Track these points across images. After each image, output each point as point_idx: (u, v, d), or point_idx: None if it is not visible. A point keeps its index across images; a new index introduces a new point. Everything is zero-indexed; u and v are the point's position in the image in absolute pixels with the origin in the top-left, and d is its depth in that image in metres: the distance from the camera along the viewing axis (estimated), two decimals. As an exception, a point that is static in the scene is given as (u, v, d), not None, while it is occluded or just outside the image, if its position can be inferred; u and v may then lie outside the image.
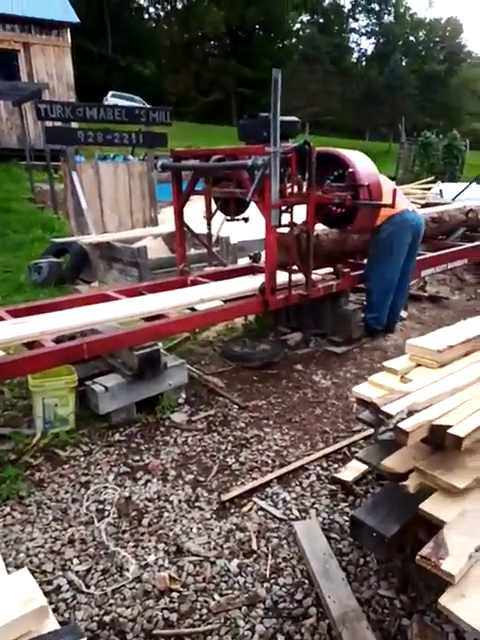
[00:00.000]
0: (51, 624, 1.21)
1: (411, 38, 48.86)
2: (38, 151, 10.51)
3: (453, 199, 10.02)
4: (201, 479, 2.44)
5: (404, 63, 44.59)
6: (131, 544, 2.01)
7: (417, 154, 20.66)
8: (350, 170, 3.37)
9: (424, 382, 1.84)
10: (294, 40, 47.01)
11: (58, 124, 6.23)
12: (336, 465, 2.55)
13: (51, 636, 1.14)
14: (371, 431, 2.78)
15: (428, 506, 1.46)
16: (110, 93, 24.09)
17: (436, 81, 43.84)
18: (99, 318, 2.98)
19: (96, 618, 1.67)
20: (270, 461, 2.59)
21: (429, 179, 11.18)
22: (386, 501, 1.85)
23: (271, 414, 3.08)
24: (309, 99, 32.97)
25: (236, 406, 3.15)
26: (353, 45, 50.59)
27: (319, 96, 35.76)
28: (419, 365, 2.10)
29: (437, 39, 49.03)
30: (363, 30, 49.54)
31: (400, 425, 1.51)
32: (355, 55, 50.86)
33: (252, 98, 34.34)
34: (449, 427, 1.51)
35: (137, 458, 2.59)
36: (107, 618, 1.67)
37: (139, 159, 8.92)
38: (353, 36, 50.16)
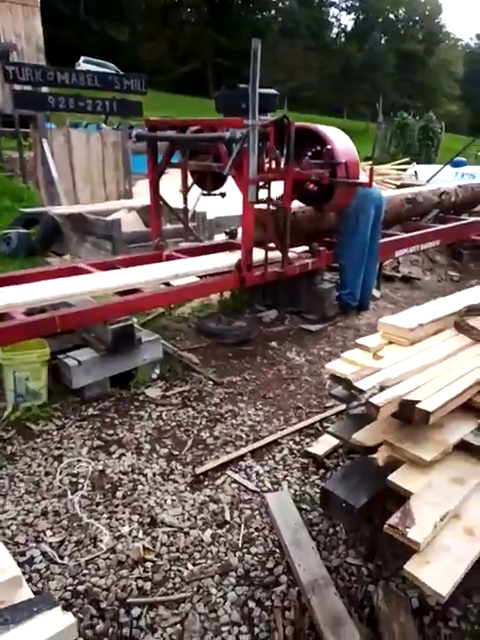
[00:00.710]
0: (24, 593, 1.22)
1: (391, 15, 48.35)
2: (6, 116, 10.06)
3: (427, 181, 10.13)
4: (175, 453, 2.46)
5: (383, 41, 44.28)
6: (105, 516, 2.02)
7: (394, 134, 20.69)
8: (328, 147, 3.35)
9: (395, 359, 1.88)
10: (273, 12, 45.89)
11: (28, 88, 5.96)
12: (308, 440, 2.61)
13: (25, 605, 1.15)
14: (343, 407, 2.86)
15: (396, 478, 1.52)
16: (82, 58, 23.08)
17: (414, 60, 43.70)
18: (71, 291, 2.92)
19: (70, 588, 1.68)
20: (244, 436, 2.63)
21: (405, 160, 11.24)
22: (356, 473, 1.90)
23: (246, 390, 3.11)
24: (288, 73, 32.43)
25: (211, 382, 3.17)
26: (333, 20, 49.83)
27: (298, 71, 35.24)
28: (391, 343, 2.14)
29: (417, 18, 48.69)
30: (343, 4, 48.73)
31: (371, 400, 1.55)
32: (335, 30, 50.14)
33: (229, 69, 33.51)
34: (418, 402, 1.56)
35: (111, 432, 2.59)
36: (81, 588, 1.68)
37: (113, 128, 8.65)
38: (333, 10, 49.36)
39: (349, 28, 49.35)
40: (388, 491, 1.83)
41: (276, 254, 3.64)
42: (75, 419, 2.68)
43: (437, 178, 10.32)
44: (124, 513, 2.04)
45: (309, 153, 3.56)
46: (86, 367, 2.78)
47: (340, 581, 1.77)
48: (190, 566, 1.80)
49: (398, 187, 7.54)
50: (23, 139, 9.12)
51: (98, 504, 2.08)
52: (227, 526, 1.99)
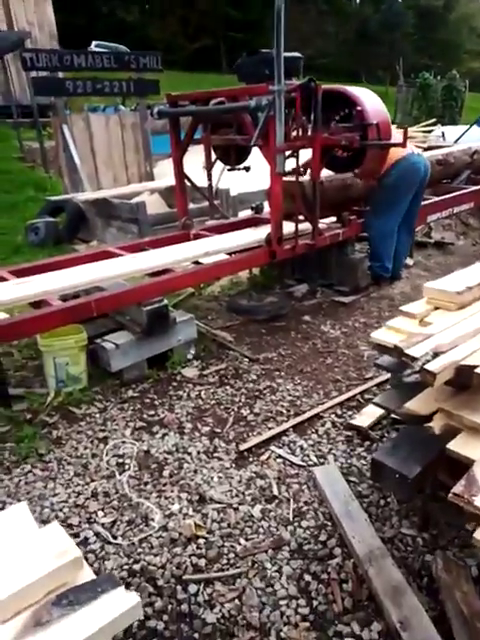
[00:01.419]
0: (86, 574, 1.22)
1: (408, -30, 46.07)
2: (24, 107, 10.08)
3: (455, 141, 9.73)
4: (217, 430, 2.45)
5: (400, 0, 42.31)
6: (154, 495, 2.03)
7: (415, 97, 19.91)
8: (358, 108, 3.21)
9: (445, 324, 1.80)
10: (284, -23, 44.24)
11: (44, 75, 5.92)
12: (350, 412, 2.56)
13: (89, 585, 1.15)
14: (384, 378, 2.79)
15: (456, 446, 1.46)
16: (93, 43, 22.85)
17: (434, 17, 41.62)
18: (104, 275, 2.91)
19: (126, 567, 1.70)
20: (284, 411, 2.60)
21: (430, 121, 10.80)
22: (406, 443, 1.85)
23: (282, 366, 3.07)
24: (303, 41, 31.29)
25: (246, 359, 3.14)
26: (347, -19, 47.71)
27: (313, 38, 34.06)
28: (437, 308, 2.06)
29: (435, -30, 46.24)
30: (357, -37, 46.57)
31: (427, 367, 1.49)
32: (349, -8, 48.06)
33: (242, 43, 32.60)
34: (476, 367, 1.48)
35: (152, 413, 2.59)
36: (137, 566, 1.70)
37: (131, 109, 8.55)
38: (346, -29, 47.24)
39: (364, -12, 47.25)
40: (439, 460, 1.79)
41: (305, 226, 3.54)
42: (116, 402, 2.70)
43: (465, 138, 9.93)
44: (172, 491, 2.04)
45: (337, 117, 3.42)
46: (123, 350, 2.78)
47: (396, 551, 1.74)
48: (243, 542, 1.79)
49: (425, 149, 7.25)
50: (42, 129, 9.14)
51: (146, 483, 2.09)
52: (276, 501, 1.98)
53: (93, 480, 2.12)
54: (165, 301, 2.93)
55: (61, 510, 1.96)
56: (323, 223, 3.79)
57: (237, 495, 2.01)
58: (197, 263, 3.32)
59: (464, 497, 1.26)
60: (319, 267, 4.09)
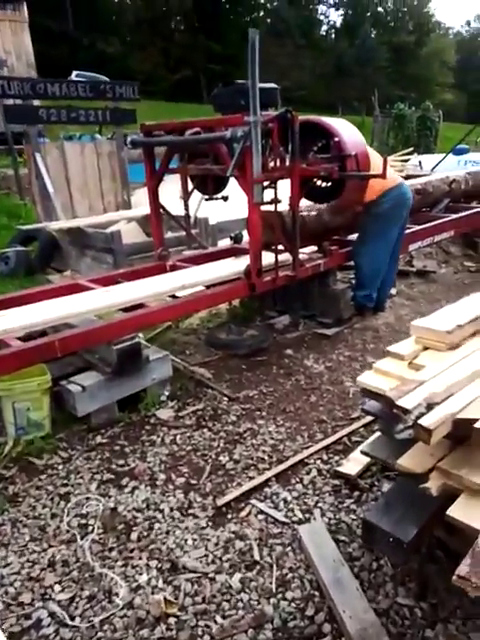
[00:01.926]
0: None
1: (380, 9, 48.07)
2: None
3: (431, 170, 9.88)
4: (193, 482, 2.24)
5: (373, 35, 44.02)
6: (119, 563, 1.80)
7: (391, 126, 20.43)
8: (335, 139, 3.13)
9: (438, 368, 1.65)
10: (262, 13, 45.76)
11: (19, 102, 5.80)
12: (337, 457, 2.38)
13: None
14: (371, 419, 2.63)
15: (457, 512, 1.29)
16: (74, 73, 23.06)
17: (406, 52, 43.35)
18: (73, 311, 2.72)
19: (84, 656, 1.47)
20: (266, 457, 2.41)
21: (408, 150, 11.00)
22: (399, 500, 1.68)
23: (264, 405, 2.89)
24: (280, 74, 32.14)
25: (226, 398, 2.95)
26: (322, 17, 49.57)
27: (290, 70, 35.00)
28: (426, 348, 1.92)
29: (405, 9, 48.35)
30: (331, 1, 48.50)
31: (421, 422, 1.33)
32: (324, 28, 49.85)
33: (222, 74, 33.35)
34: (476, 420, 1.33)
35: (122, 462, 2.38)
36: (96, 656, 1.47)
37: (107, 138, 8.48)
38: (321, 8, 49.10)
39: (339, 24, 49.13)
40: (435, 516, 1.62)
41: (285, 257, 3.42)
42: (82, 450, 2.47)
43: (440, 167, 10.10)
44: (140, 558, 1.82)
45: (315, 148, 3.34)
46: (91, 392, 2.57)
47: (392, 626, 1.55)
48: (219, 619, 1.58)
49: (404, 178, 7.29)
50: (18, 155, 9.00)
51: (111, 549, 1.87)
52: (257, 567, 1.77)
53: (51, 546, 1.89)
54: (137, 338, 2.75)
55: (12, 584, 1.72)
56: (304, 253, 3.68)
57: (214, 561, 1.80)
58: (174, 297, 3.16)
59: (471, 580, 1.09)
60: (301, 298, 3.96)
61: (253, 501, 2.10)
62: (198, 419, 2.75)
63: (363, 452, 1.89)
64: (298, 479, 2.24)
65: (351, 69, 38.33)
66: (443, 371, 1.63)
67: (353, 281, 4.38)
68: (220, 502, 2.08)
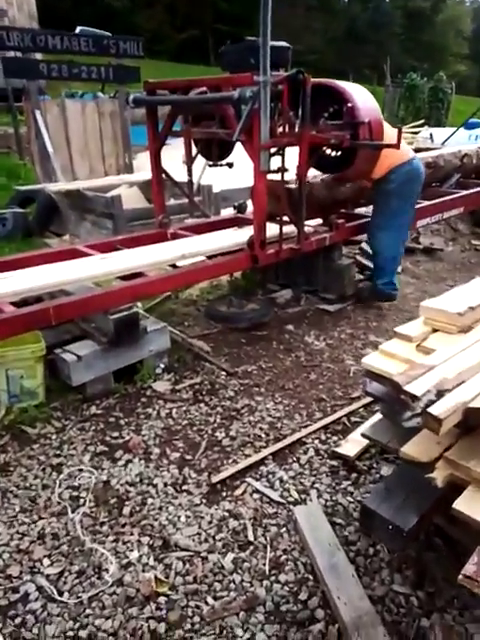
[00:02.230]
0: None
1: (395, -30, 46.03)
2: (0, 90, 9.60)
3: (442, 143, 9.61)
4: (188, 457, 2.19)
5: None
6: (110, 538, 1.77)
7: (402, 97, 19.83)
8: (349, 105, 2.97)
9: (448, 353, 1.57)
10: (274, -29, 43.82)
11: (16, 55, 5.54)
12: (335, 437, 2.33)
13: None
14: (371, 400, 2.57)
15: (463, 506, 1.23)
16: (78, 28, 22.24)
17: (421, 19, 41.75)
18: (69, 277, 2.63)
19: (70, 633, 1.44)
20: (263, 435, 2.36)
21: (419, 122, 10.67)
22: (400, 486, 1.63)
23: (262, 381, 2.83)
24: (291, 36, 30.85)
25: (224, 372, 2.89)
26: (335, -22, 47.46)
27: (301, 33, 33.73)
28: (436, 330, 1.84)
29: (422, -28, 46.28)
30: (346, -39, 46.34)
31: (430, 410, 1.26)
32: (338, -11, 47.88)
33: (230, 34, 32.11)
34: (489, 411, 1.26)
35: (116, 435, 2.33)
36: (83, 633, 1.44)
37: (109, 97, 8.17)
38: (335, -32, 46.96)
39: (353, -14, 47.11)
40: (437, 504, 1.57)
41: (290, 229, 3.30)
42: (76, 420, 2.42)
43: (451, 141, 9.82)
44: (132, 534, 1.78)
45: (326, 113, 3.18)
46: (87, 362, 2.50)
47: (386, 614, 1.51)
48: (210, 600, 1.55)
49: (414, 151, 7.06)
50: (19, 113, 8.70)
51: (102, 524, 1.83)
52: (251, 548, 1.74)
53: (41, 518, 1.85)
54: (137, 307, 2.66)
55: (0, 556, 1.69)
56: (309, 226, 3.55)
57: (206, 540, 1.76)
58: (174, 266, 3.06)
59: (477, 580, 1.04)
60: (304, 272, 3.85)
61: (248, 479, 2.05)
62: (195, 393, 2.69)
63: (364, 435, 1.83)
64: (295, 458, 2.19)
65: (364, 34, 37.00)
66: (454, 356, 1.55)
67: (358, 256, 4.29)
68: (215, 479, 2.03)
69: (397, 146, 2.91)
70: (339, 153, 3.32)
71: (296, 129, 2.97)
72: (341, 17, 40.51)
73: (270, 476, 2.08)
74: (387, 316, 3.65)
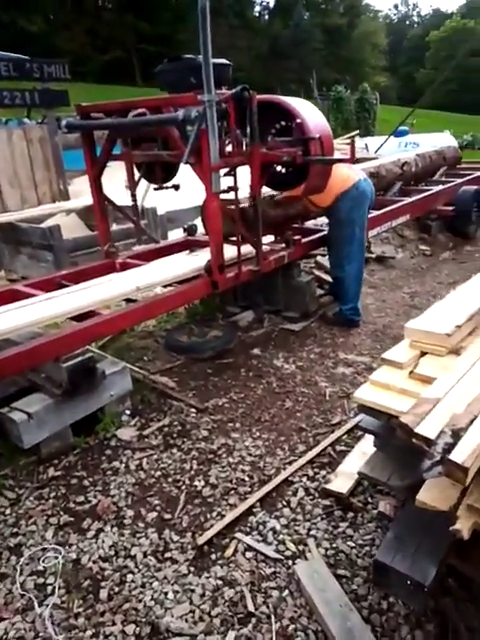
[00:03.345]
0: None
1: (311, -10, 47.97)
2: None
3: (375, 152, 9.90)
4: (167, 517, 1.96)
5: (306, 17, 43.94)
6: (89, 633, 1.51)
7: (330, 109, 20.47)
8: (297, 121, 2.87)
9: (449, 382, 1.46)
10: (193, -9, 44.47)
11: None
12: (323, 472, 2.18)
13: None
14: (354, 421, 2.44)
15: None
16: (-5, 52, 21.44)
17: (339, 34, 43.71)
18: (12, 324, 2.35)
19: None
20: (247, 478, 2.16)
21: (354, 133, 10.96)
22: (410, 532, 1.49)
23: (236, 414, 2.64)
24: (217, 55, 31.41)
25: (193, 409, 2.68)
26: (254, -3, 48.80)
27: (227, 52, 34.21)
28: (424, 353, 1.73)
29: (335, -9, 48.53)
30: (263, -19, 47.86)
31: (452, 457, 1.12)
32: (257, 8, 49.32)
33: (156, 55, 32.18)
34: (514, 450, 1.14)
35: (81, 499, 2.06)
36: None
37: (36, 122, 7.80)
38: (253, -13, 48.29)
39: (272, 4, 48.65)
40: (453, 547, 1.44)
41: (246, 249, 3.16)
42: (32, 487, 2.13)
43: (383, 149, 10.14)
44: (114, 623, 1.53)
45: (273, 130, 3.08)
46: (39, 419, 2.21)
47: (414, 680, 1.35)
48: None
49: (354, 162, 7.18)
50: None
51: (77, 615, 1.57)
52: (253, 621, 1.53)
53: (2, 619, 1.56)
54: (90, 351, 2.41)
55: (-44, 679, 1.39)
56: (265, 245, 3.42)
57: (202, 618, 1.54)
58: (128, 300, 2.83)
59: None
60: (264, 292, 3.71)
61: (238, 534, 1.85)
62: (165, 437, 2.46)
63: (361, 474, 1.68)
64: (285, 502, 2.01)
65: (287, 51, 38.14)
66: (456, 384, 1.44)
67: (315, 271, 4.21)
68: (200, 540, 1.81)
69: (351, 160, 2.84)
70: (290, 170, 3.22)
71: (245, 148, 2.84)
72: (263, 34, 41.63)
73: (261, 527, 1.88)
74: (352, 330, 3.57)
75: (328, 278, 4.01)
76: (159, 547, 1.82)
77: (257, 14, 49.00)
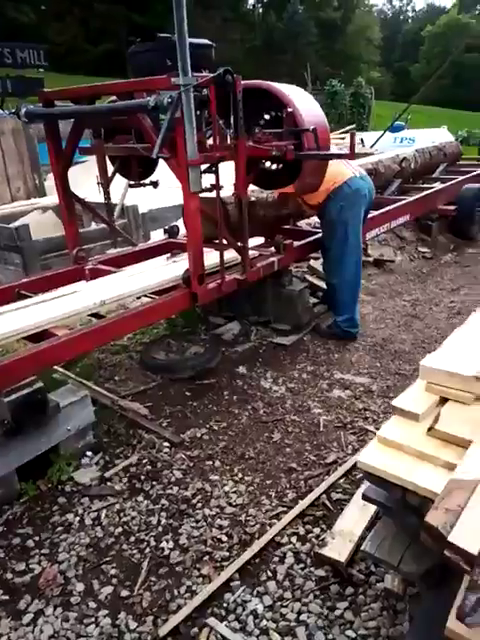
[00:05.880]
0: None
1: (305, -17, 47.43)
2: None
3: (371, 148, 9.55)
4: (125, 593, 1.60)
5: (301, 10, 43.42)
6: None
7: (324, 104, 20.07)
8: (289, 110, 2.50)
9: (483, 450, 1.10)
10: (186, -17, 43.80)
11: None
12: (317, 529, 1.82)
13: None
14: (353, 461, 2.09)
15: None
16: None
17: (333, 28, 43.27)
18: None
19: None
20: (225, 537, 1.80)
21: (350, 127, 10.60)
22: (431, 619, 1.14)
23: (216, 449, 2.28)
24: (209, 47, 30.97)
25: (167, 443, 2.32)
26: (248, -10, 48.16)
27: (220, 44, 33.69)
28: (443, 399, 1.37)
29: (330, -16, 47.97)
30: (257, -27, 47.24)
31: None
32: (251, 1, 48.69)
33: (148, 48, 31.63)
34: None
35: (22, 568, 1.69)
36: None
37: (9, 113, 7.37)
38: (247, -20, 47.69)
39: (265, -2, 48.01)
40: None
41: (231, 255, 2.80)
42: (-34, 550, 1.76)
43: (378, 145, 9.80)
44: None
45: (262, 121, 2.71)
46: (-24, 465, 1.84)
47: None
48: None
49: (348, 158, 6.82)
50: None
51: None
52: None
53: None
54: (40, 382, 2.03)
55: None
56: (252, 249, 3.05)
57: None
58: (95, 315, 2.46)
59: None
60: (251, 301, 3.35)
61: (211, 620, 1.49)
62: (131, 480, 2.10)
63: (367, 553, 1.33)
64: (270, 573, 1.65)
65: (281, 44, 37.68)
66: (494, 456, 1.08)
67: (308, 277, 3.86)
68: (163, 630, 1.45)
69: (351, 156, 2.47)
70: (280, 166, 2.86)
71: (228, 141, 2.47)
72: (257, 27, 41.16)
73: (239, 609, 1.52)
74: (349, 344, 3.22)
75: (322, 284, 3.65)
76: (112, 637, 1.45)
77: (251, 7, 48.44)
